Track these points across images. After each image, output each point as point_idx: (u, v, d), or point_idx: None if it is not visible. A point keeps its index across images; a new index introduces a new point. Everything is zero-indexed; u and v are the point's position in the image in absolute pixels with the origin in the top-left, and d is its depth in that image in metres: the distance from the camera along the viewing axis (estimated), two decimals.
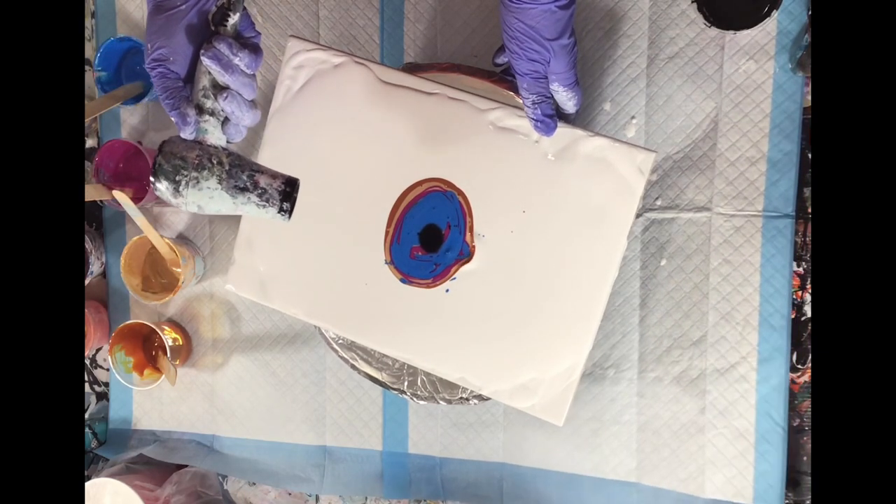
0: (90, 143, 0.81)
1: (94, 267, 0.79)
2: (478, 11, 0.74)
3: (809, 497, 0.72)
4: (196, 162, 0.47)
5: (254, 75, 0.49)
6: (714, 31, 0.70)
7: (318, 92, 0.59)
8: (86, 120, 0.74)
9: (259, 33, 0.51)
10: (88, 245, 0.77)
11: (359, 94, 0.58)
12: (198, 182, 0.47)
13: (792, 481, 0.73)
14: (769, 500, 0.72)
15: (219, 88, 0.48)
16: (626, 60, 0.72)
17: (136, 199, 0.73)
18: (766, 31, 0.70)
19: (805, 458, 0.72)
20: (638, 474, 0.74)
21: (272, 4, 0.77)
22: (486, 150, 0.57)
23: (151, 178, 0.47)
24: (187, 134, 0.48)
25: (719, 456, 0.73)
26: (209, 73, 0.48)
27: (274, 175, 0.48)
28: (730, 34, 0.70)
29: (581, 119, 0.73)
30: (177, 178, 0.46)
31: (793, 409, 0.73)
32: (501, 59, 0.57)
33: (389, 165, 0.58)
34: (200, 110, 0.48)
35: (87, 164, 0.78)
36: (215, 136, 0.48)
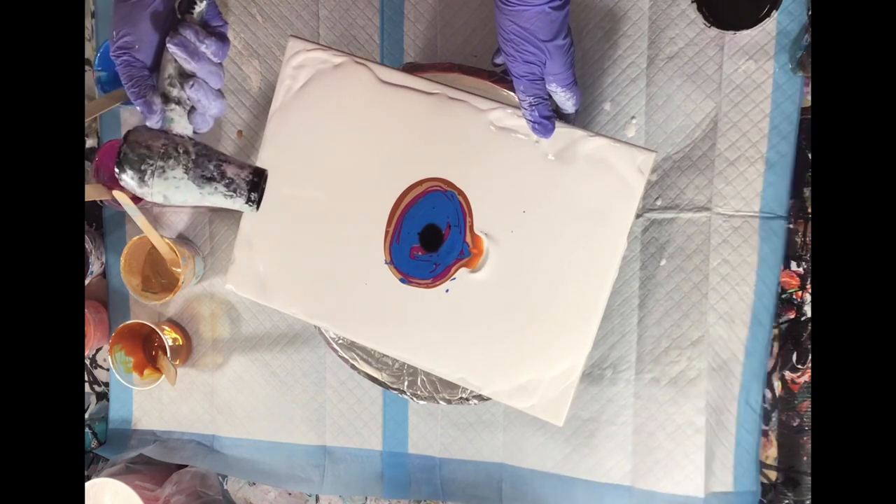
0: (90, 143, 0.81)
1: (94, 267, 0.79)
2: (478, 11, 0.74)
3: (809, 497, 0.72)
4: (162, 151, 0.46)
5: (220, 64, 0.48)
6: (714, 31, 0.70)
7: (319, 91, 0.59)
8: (86, 120, 0.74)
9: (226, 23, 0.50)
10: (88, 245, 0.77)
11: (359, 93, 0.58)
12: (164, 171, 0.46)
13: (792, 481, 0.73)
14: (746, 484, 0.73)
15: (185, 77, 0.47)
16: (626, 60, 0.72)
17: (136, 199, 0.73)
18: (766, 32, 0.70)
19: (805, 458, 0.72)
20: (632, 478, 0.74)
21: (272, 4, 0.77)
22: (487, 150, 0.57)
23: (116, 169, 0.46)
24: (153, 123, 0.47)
25: (708, 453, 0.73)
26: (175, 61, 0.47)
27: (242, 165, 0.48)
28: (729, 34, 0.70)
29: (581, 119, 0.73)
30: (142, 168, 0.46)
31: (793, 409, 0.73)
32: (500, 60, 0.57)
33: (389, 165, 0.58)
34: (166, 99, 0.47)
35: (87, 164, 0.78)
36: (181, 125, 0.48)
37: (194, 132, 0.49)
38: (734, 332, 0.72)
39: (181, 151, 0.47)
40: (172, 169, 0.46)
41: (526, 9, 0.50)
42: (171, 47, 0.46)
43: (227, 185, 0.47)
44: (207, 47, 0.47)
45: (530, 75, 0.53)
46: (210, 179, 0.47)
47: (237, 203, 0.48)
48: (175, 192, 0.47)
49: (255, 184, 0.48)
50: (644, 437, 0.74)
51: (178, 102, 0.47)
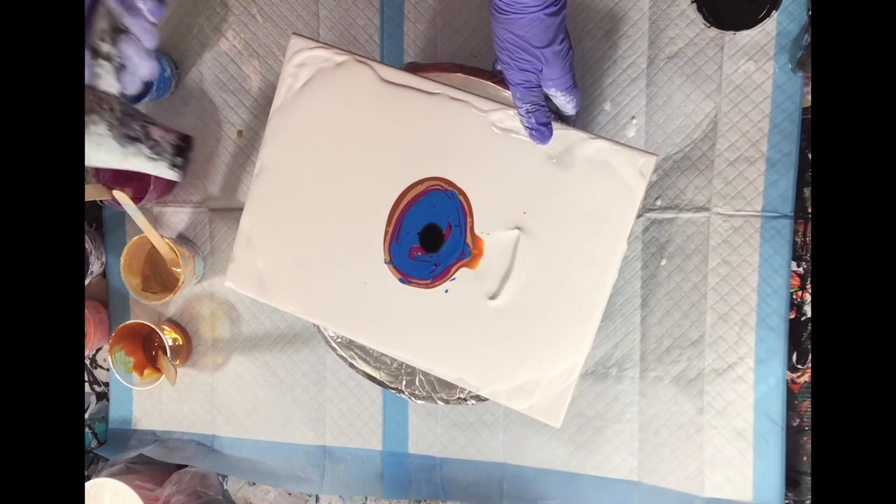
0: None
1: (94, 267, 0.79)
2: (478, 11, 0.74)
3: (809, 497, 0.72)
4: (86, 106, 0.45)
5: (155, 25, 0.48)
6: (714, 32, 0.70)
7: (320, 90, 0.59)
8: None
9: None
10: (88, 245, 0.77)
11: (361, 92, 0.58)
12: (87, 127, 0.45)
13: (792, 481, 0.73)
14: (769, 497, 0.72)
15: (117, 32, 0.46)
16: (626, 60, 0.72)
17: (136, 199, 0.73)
18: (766, 32, 0.70)
19: (805, 458, 0.72)
20: (639, 473, 0.74)
21: (272, 4, 0.77)
22: (488, 150, 0.57)
23: None
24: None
25: (718, 455, 0.73)
26: (109, 14, 0.46)
27: (168, 129, 0.47)
28: (729, 34, 0.70)
29: (581, 119, 0.73)
30: None
31: (793, 409, 0.73)
32: (500, 67, 0.57)
33: (390, 164, 0.58)
34: (95, 53, 0.46)
35: None
36: (108, 82, 0.47)
37: (122, 93, 0.48)
38: (739, 334, 0.72)
39: (106, 108, 0.46)
40: (95, 125, 0.45)
41: (520, 16, 0.49)
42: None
43: (151, 147, 0.47)
44: (144, 4, 0.46)
45: (526, 83, 0.52)
46: (134, 139, 0.46)
47: (160, 167, 0.47)
48: (96, 151, 0.46)
49: (181, 148, 0.47)
50: (650, 435, 0.74)
51: (108, 59, 0.46)
